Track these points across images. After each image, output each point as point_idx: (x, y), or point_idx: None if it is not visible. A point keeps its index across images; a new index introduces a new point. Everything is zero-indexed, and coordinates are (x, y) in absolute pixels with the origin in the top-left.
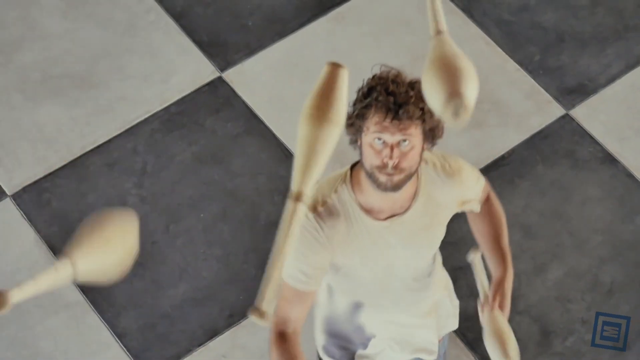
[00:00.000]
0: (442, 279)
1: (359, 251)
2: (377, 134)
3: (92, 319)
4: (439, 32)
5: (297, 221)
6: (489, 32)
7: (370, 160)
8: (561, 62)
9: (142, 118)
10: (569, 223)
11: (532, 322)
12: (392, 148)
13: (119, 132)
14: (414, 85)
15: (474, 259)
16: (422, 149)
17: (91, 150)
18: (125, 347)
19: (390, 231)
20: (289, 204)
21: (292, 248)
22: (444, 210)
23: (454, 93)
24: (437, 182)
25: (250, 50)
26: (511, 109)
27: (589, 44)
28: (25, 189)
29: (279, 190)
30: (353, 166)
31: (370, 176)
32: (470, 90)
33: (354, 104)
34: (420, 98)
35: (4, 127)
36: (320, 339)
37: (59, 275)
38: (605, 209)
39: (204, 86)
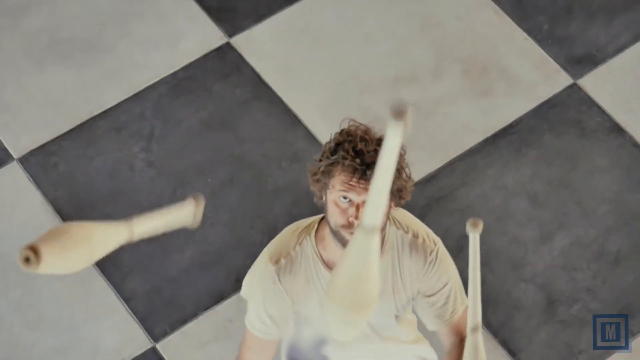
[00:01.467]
0: (410, 337)
1: (319, 303)
2: (343, 193)
3: (98, 282)
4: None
5: None
6: (498, 0)
7: (335, 218)
8: (570, 31)
9: (150, 83)
10: (576, 192)
11: (537, 290)
12: (357, 207)
13: (126, 96)
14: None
15: (472, 233)
16: (389, 208)
17: (98, 115)
18: (131, 310)
19: None
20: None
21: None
22: (406, 282)
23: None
24: (405, 249)
25: (259, 16)
26: (519, 78)
27: (597, 14)
28: (32, 153)
29: (287, 156)
30: (322, 219)
31: (335, 234)
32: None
33: (320, 160)
34: None
35: (11, 91)
36: None
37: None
38: (612, 178)
39: (212, 52)
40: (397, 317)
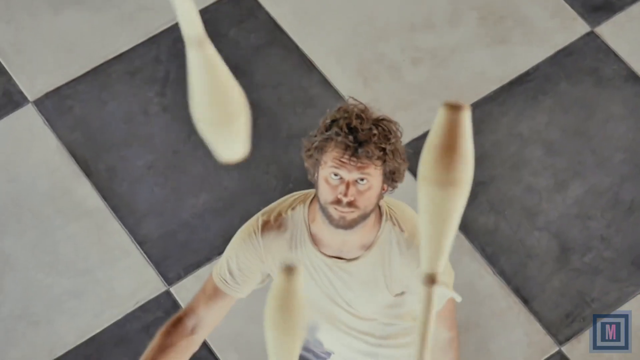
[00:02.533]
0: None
1: None
2: (333, 169)
3: (113, 225)
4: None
5: (434, 307)
6: None
7: (325, 195)
8: None
9: (165, 27)
10: (591, 140)
11: (551, 238)
12: (348, 185)
13: (141, 40)
14: (380, 124)
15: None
16: (382, 190)
17: (113, 58)
18: (145, 254)
19: (330, 270)
20: (423, 290)
21: (430, 336)
22: (395, 278)
23: None
24: (396, 247)
25: None
26: (536, 26)
27: None
28: (47, 96)
29: (301, 102)
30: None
31: (324, 211)
32: None
33: (315, 135)
34: (384, 138)
35: (27, 34)
36: None
37: None
38: (628, 127)
39: None
40: (393, 306)
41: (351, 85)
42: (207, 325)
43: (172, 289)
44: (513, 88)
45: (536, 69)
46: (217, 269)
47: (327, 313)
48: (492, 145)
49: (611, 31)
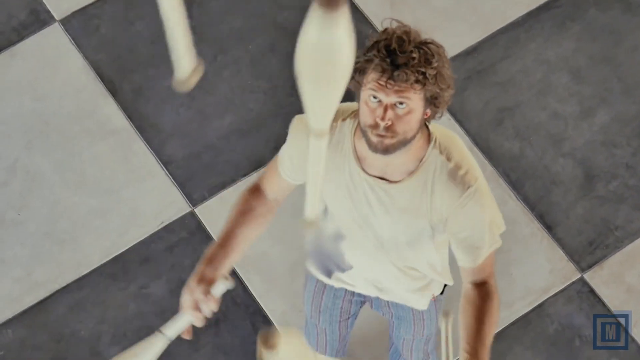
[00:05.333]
0: (438, 265)
1: (334, 183)
2: (372, 92)
3: (139, 145)
4: None
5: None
6: None
7: (364, 118)
8: None
9: None
10: (619, 68)
11: (576, 165)
12: (385, 109)
13: None
14: (423, 47)
15: (444, 324)
16: (425, 116)
17: None
18: (170, 175)
19: (371, 190)
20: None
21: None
22: (436, 205)
23: None
24: (440, 176)
25: None
26: None
27: None
28: (74, 15)
29: None
30: None
31: (364, 134)
32: None
33: (357, 56)
34: (425, 61)
35: None
36: (308, 245)
37: None
38: None
39: None
40: (431, 237)
41: (378, 8)
42: (280, 196)
43: (197, 210)
44: (541, 14)
45: None
46: (280, 152)
47: (356, 231)
48: (518, 71)
49: None
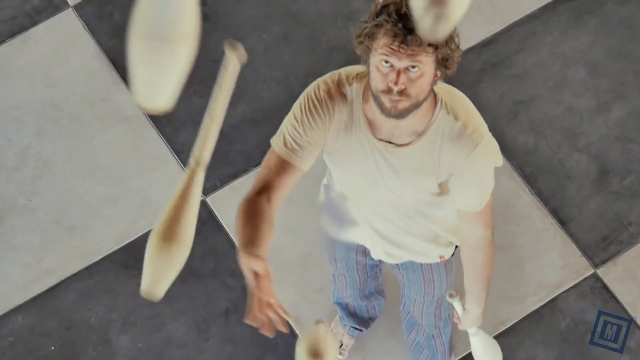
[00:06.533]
0: (448, 221)
1: (347, 147)
2: (384, 57)
3: (151, 133)
4: None
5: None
6: None
7: (376, 83)
8: None
9: None
10: (636, 62)
11: (590, 160)
12: (398, 73)
13: None
14: None
15: (452, 301)
16: (435, 78)
17: None
18: (182, 163)
19: (380, 154)
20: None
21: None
22: (441, 168)
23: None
24: (448, 135)
25: None
26: None
27: None
28: (87, 1)
29: (342, 15)
30: None
31: (376, 99)
32: (457, 3)
33: (366, 22)
34: None
35: None
36: (321, 196)
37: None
38: None
39: None
40: (438, 194)
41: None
42: (280, 198)
43: (208, 199)
44: (557, 7)
45: None
46: (277, 134)
47: (363, 192)
48: (534, 64)
49: None
